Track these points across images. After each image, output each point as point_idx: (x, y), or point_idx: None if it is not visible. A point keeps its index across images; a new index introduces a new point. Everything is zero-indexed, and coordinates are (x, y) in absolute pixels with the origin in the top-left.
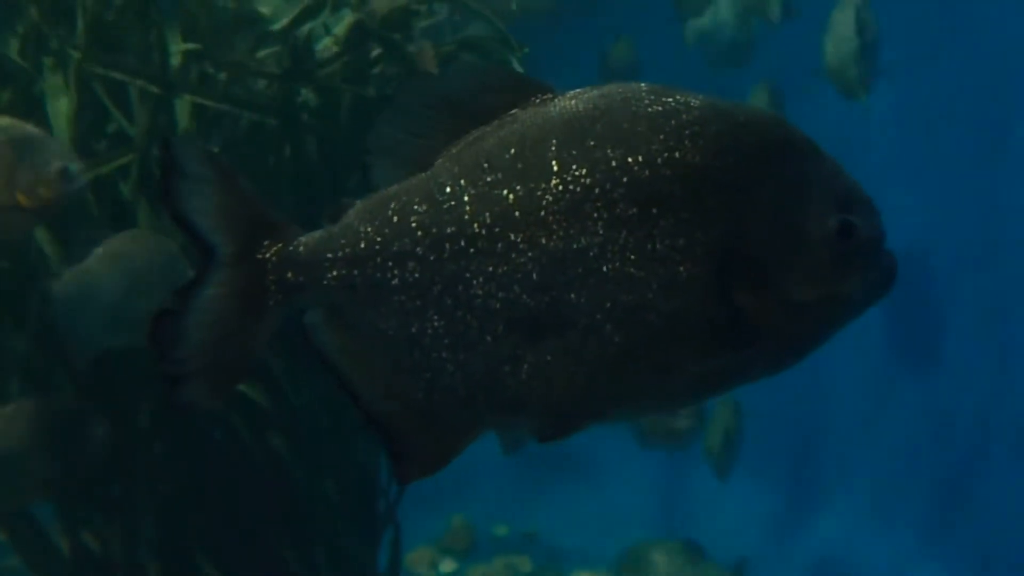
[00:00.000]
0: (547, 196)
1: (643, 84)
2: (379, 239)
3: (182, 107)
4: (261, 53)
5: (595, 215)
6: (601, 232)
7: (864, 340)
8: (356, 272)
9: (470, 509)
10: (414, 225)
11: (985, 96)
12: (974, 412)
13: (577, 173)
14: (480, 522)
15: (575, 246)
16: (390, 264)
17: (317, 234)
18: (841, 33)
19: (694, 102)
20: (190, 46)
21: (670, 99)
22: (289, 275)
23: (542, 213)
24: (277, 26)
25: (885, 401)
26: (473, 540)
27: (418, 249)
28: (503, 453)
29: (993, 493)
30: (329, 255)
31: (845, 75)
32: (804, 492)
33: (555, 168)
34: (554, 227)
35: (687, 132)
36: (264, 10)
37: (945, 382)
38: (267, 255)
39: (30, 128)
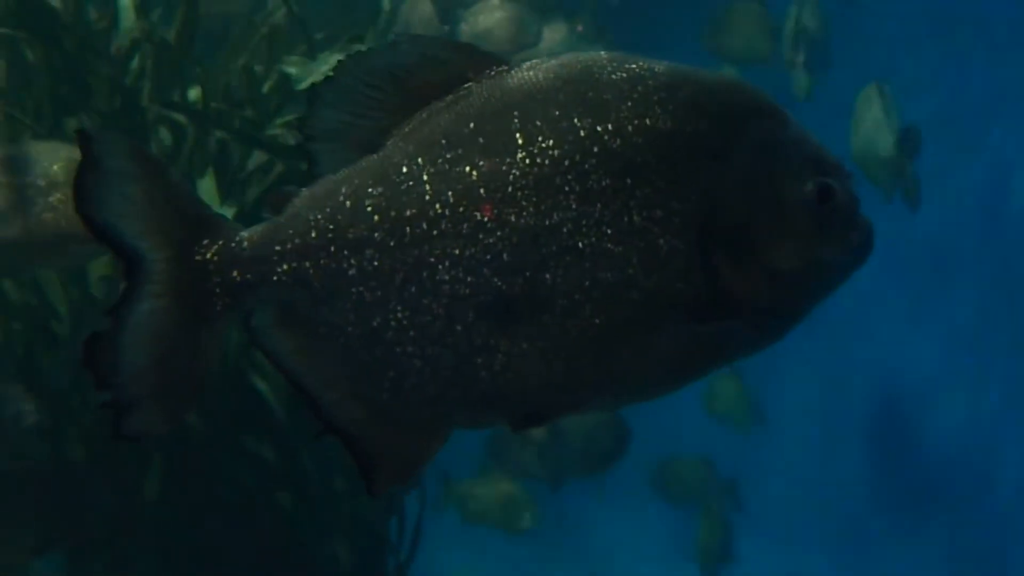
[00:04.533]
0: (514, 171)
1: (602, 52)
2: (332, 227)
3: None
4: (283, 119)
5: (567, 188)
6: (574, 206)
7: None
8: (308, 264)
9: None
10: (370, 209)
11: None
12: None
13: (544, 145)
14: None
15: (547, 223)
16: (346, 253)
17: (261, 227)
18: (873, 128)
19: (658, 68)
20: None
21: (633, 65)
22: (235, 274)
23: (509, 189)
24: (304, 85)
25: None
26: None
27: (376, 235)
28: (550, 489)
29: None
30: (277, 248)
31: (878, 172)
32: None
33: (520, 141)
34: (523, 203)
35: (655, 98)
36: (291, 70)
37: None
38: (207, 255)
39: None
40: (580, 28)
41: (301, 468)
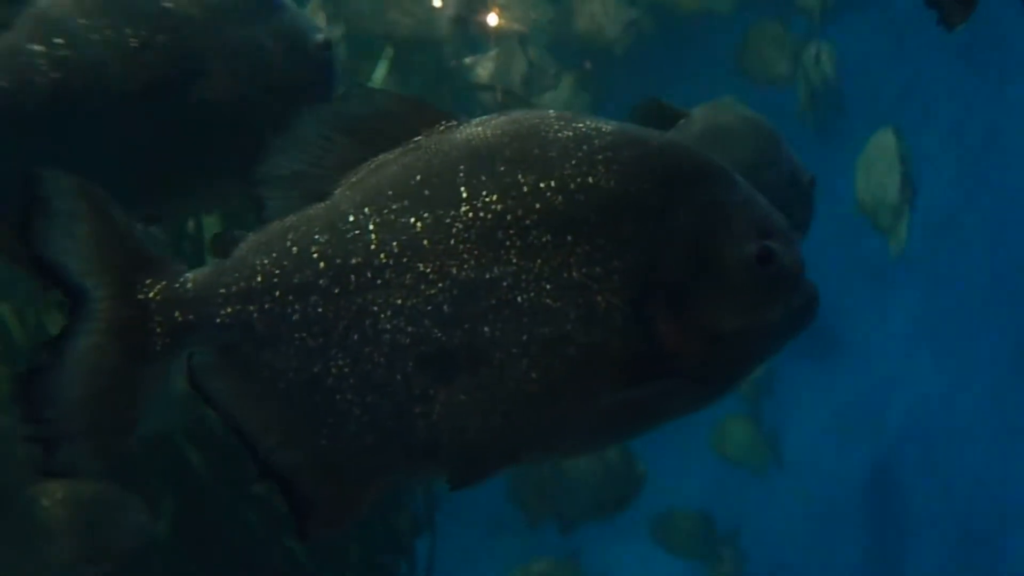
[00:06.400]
0: (457, 224)
1: (551, 111)
2: (277, 272)
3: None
4: None
5: (508, 243)
6: (514, 261)
7: None
8: (252, 308)
9: None
10: (315, 256)
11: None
12: None
13: (488, 199)
14: None
15: (488, 276)
16: (290, 298)
17: (206, 269)
18: (879, 179)
19: (605, 128)
20: None
21: (580, 125)
22: (177, 315)
23: (452, 242)
24: None
25: None
26: None
27: (321, 281)
28: (560, 534)
29: None
30: (222, 290)
31: (879, 219)
32: None
33: (464, 195)
34: (465, 256)
35: (600, 157)
36: None
37: None
38: (150, 295)
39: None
40: (588, 64)
41: None
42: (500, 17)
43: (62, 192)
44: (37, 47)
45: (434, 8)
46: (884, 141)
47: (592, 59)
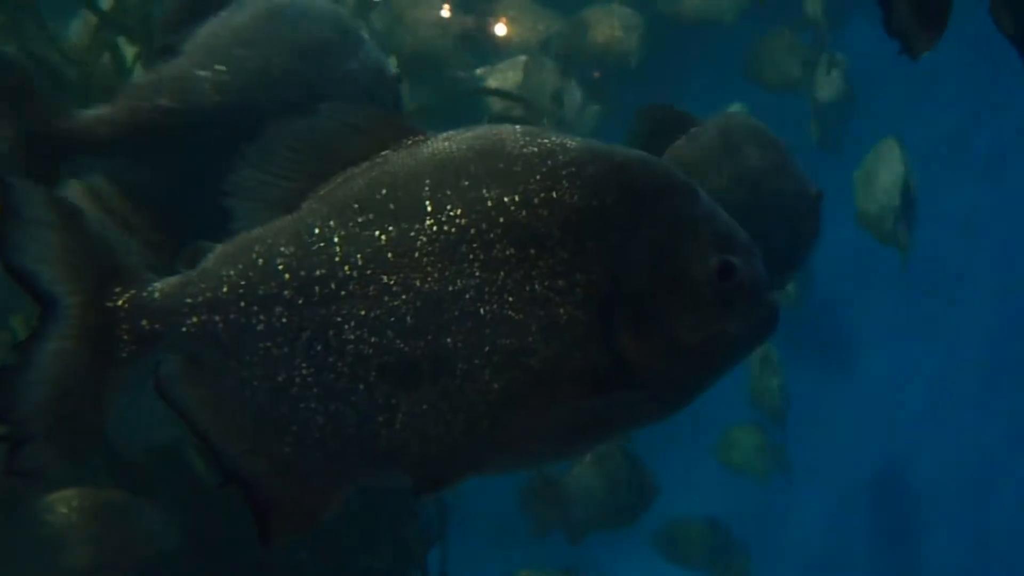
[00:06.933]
0: (421, 237)
1: (518, 127)
2: (243, 283)
3: None
4: None
5: (471, 256)
6: (478, 273)
7: None
8: (218, 318)
9: None
10: (281, 267)
11: None
12: None
13: (452, 213)
14: None
15: (451, 288)
16: (255, 309)
17: (174, 279)
18: (882, 186)
19: (570, 144)
20: None
21: (546, 140)
22: (144, 323)
23: (416, 254)
24: None
25: None
26: None
27: (286, 292)
28: (569, 543)
29: None
30: (188, 300)
31: (882, 226)
32: None
33: (429, 208)
34: (429, 269)
35: (564, 172)
36: None
37: None
38: (118, 303)
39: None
40: (597, 74)
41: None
42: (508, 27)
43: (33, 202)
44: (203, 72)
45: (441, 23)
46: (886, 150)
47: (602, 70)
